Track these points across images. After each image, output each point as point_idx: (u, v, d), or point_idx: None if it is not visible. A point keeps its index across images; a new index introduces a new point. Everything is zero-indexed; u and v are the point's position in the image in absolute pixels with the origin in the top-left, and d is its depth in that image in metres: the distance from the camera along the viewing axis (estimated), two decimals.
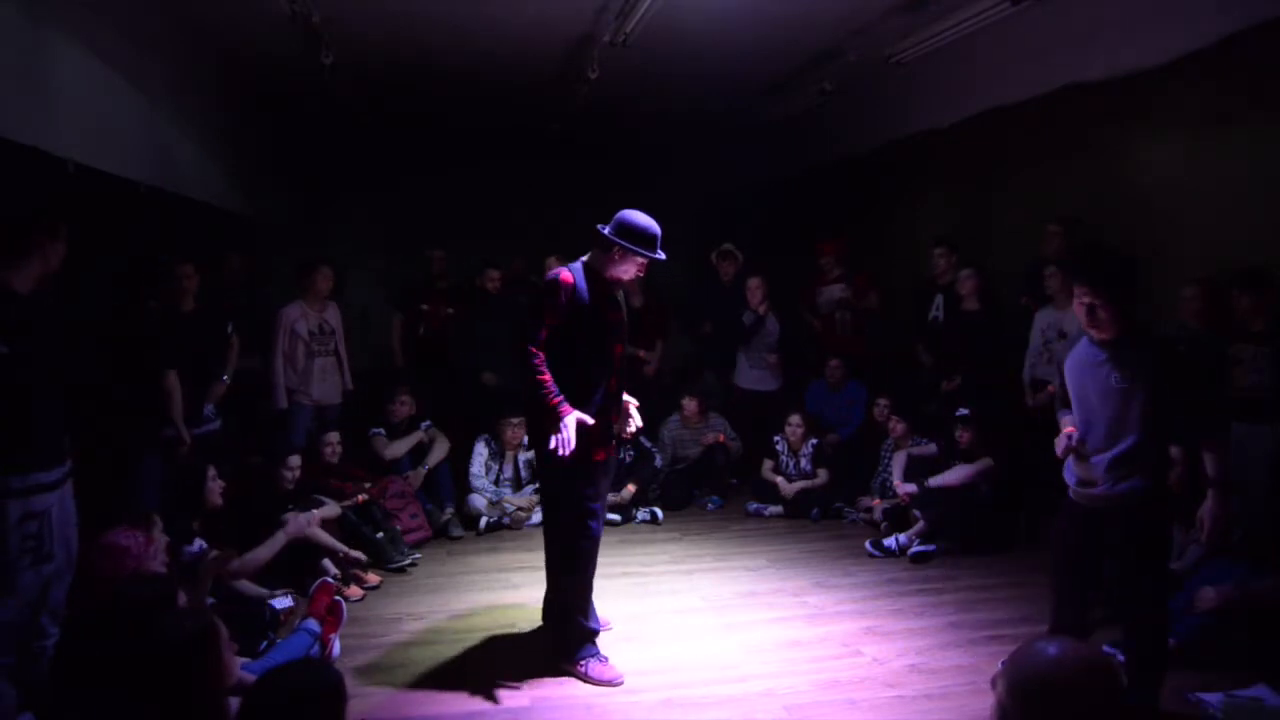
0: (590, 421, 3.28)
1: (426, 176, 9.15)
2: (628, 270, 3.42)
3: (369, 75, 6.45)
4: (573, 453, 3.21)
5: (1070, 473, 3.11)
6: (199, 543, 3.69)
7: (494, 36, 5.56)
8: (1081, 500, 3.04)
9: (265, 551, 4.06)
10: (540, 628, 3.87)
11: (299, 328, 5.39)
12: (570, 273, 3.33)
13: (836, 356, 6.54)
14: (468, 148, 9.10)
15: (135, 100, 4.89)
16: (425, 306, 6.53)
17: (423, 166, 9.14)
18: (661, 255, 3.41)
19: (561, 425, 3.21)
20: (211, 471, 4.02)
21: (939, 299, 6.03)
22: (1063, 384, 3.22)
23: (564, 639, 3.51)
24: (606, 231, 3.37)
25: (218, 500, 4.01)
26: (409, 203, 9.02)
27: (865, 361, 6.60)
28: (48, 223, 2.89)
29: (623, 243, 3.33)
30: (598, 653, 3.48)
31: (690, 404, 6.30)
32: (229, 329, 5.01)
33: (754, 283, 6.58)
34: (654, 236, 3.39)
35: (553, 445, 3.21)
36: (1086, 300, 2.90)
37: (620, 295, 3.57)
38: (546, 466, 3.43)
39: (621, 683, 3.39)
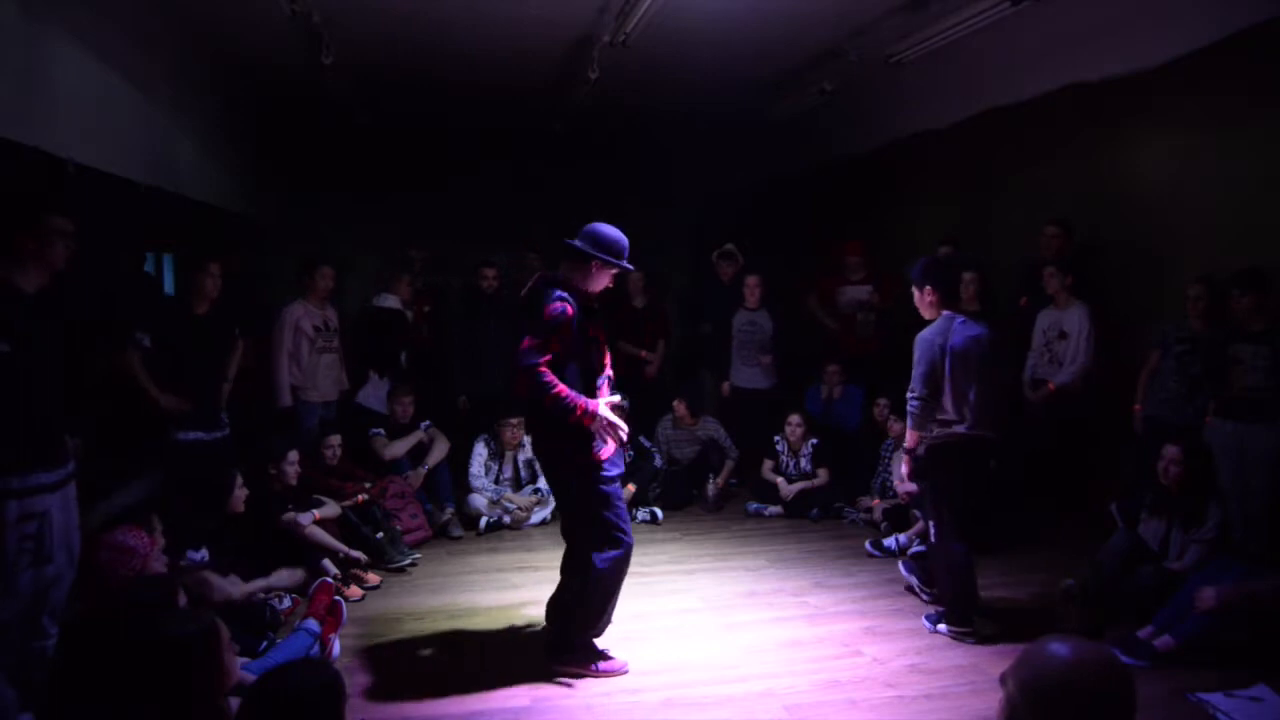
0: (619, 400, 3.42)
1: (426, 176, 9.15)
2: (601, 281, 3.45)
3: (369, 75, 6.45)
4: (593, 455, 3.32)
5: None
6: (204, 551, 3.68)
7: (494, 36, 5.56)
8: None
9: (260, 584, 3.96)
10: (541, 627, 3.88)
11: (304, 324, 5.38)
12: (570, 306, 3.30)
13: (854, 358, 6.52)
14: (468, 148, 9.09)
15: (135, 100, 4.89)
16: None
17: (423, 166, 9.14)
18: (630, 266, 3.48)
19: (599, 420, 3.28)
20: (239, 479, 4.03)
21: None
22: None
23: (567, 642, 3.49)
24: (580, 245, 3.39)
25: (240, 508, 4.02)
26: (409, 202, 9.01)
27: (872, 362, 6.54)
28: (40, 220, 2.88)
29: (601, 255, 3.37)
30: (599, 649, 3.51)
31: (679, 405, 6.31)
32: (235, 331, 5.00)
33: (751, 280, 6.57)
34: (625, 247, 3.44)
35: (602, 448, 3.32)
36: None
37: (596, 304, 3.55)
38: (561, 480, 3.50)
39: (627, 671, 3.43)
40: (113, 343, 4.32)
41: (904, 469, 3.96)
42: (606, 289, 3.52)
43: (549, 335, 3.25)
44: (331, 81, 6.18)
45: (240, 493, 4.02)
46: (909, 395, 3.77)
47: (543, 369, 3.21)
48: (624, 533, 3.43)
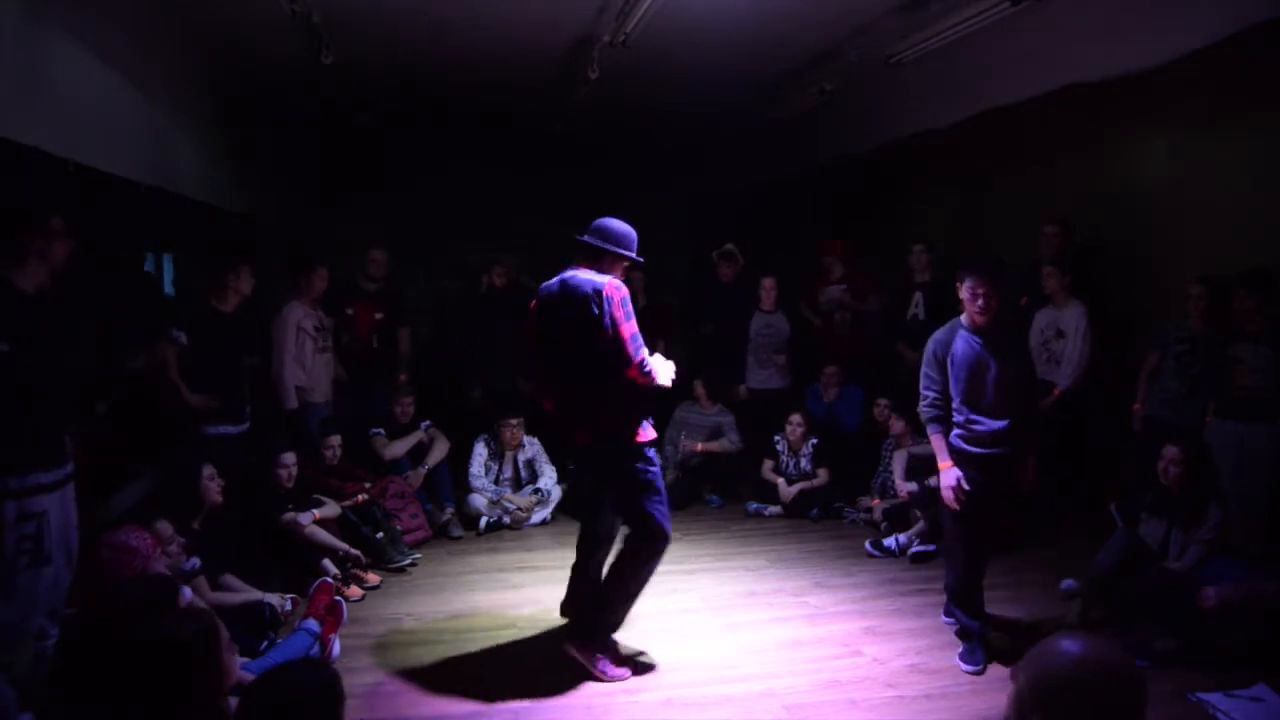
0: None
1: (426, 176, 9.16)
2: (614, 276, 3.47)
3: (369, 75, 6.45)
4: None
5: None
6: (194, 560, 3.66)
7: (494, 36, 5.56)
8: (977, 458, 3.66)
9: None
10: (541, 627, 3.89)
11: (305, 324, 5.33)
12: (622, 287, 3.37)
13: (836, 357, 6.55)
14: (468, 148, 9.10)
15: (135, 100, 4.89)
16: (350, 311, 5.92)
17: (423, 166, 9.15)
18: (640, 259, 3.52)
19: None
20: (208, 470, 4.02)
21: (918, 296, 6.09)
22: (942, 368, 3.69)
23: (590, 627, 3.53)
24: (592, 240, 3.44)
25: (216, 498, 4.00)
26: (409, 203, 9.02)
27: (863, 362, 6.60)
28: (40, 221, 2.89)
29: (614, 249, 3.42)
30: (617, 648, 3.55)
31: (698, 386, 6.34)
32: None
33: (768, 283, 6.58)
34: (633, 240, 3.50)
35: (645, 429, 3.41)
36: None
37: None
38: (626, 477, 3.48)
39: (628, 675, 3.43)
40: (151, 337, 4.40)
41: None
42: None
43: (633, 321, 3.31)
44: (331, 81, 6.18)
45: (212, 484, 3.99)
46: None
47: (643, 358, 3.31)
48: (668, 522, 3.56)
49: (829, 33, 5.47)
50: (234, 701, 2.00)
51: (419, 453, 5.66)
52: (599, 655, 3.45)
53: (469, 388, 6.37)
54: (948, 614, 3.90)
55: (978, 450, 3.60)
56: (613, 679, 3.40)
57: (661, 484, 3.54)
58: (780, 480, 5.97)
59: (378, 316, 6.01)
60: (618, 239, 3.44)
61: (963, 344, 3.60)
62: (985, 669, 3.52)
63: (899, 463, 5.51)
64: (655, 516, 3.47)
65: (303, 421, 5.34)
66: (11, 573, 2.71)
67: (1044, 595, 4.29)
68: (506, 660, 3.64)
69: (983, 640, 3.63)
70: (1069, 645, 1.47)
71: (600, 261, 3.43)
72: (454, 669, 3.56)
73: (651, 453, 3.49)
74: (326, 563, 4.39)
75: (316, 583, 4.07)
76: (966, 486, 3.56)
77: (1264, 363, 4.08)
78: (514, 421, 5.67)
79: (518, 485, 5.80)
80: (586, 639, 3.49)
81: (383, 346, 6.05)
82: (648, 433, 3.47)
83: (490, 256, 6.59)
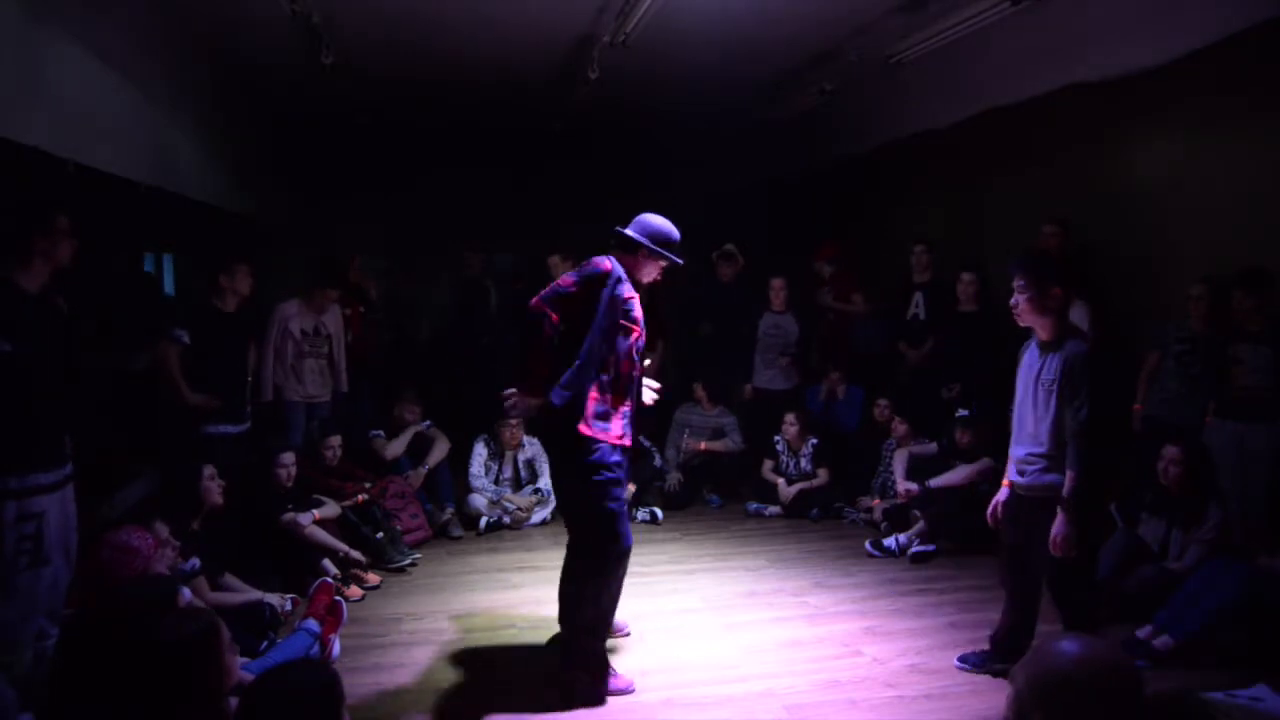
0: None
1: (427, 176, 9.15)
2: (649, 273, 3.37)
3: (369, 75, 6.45)
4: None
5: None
6: (194, 560, 3.66)
7: (494, 37, 5.56)
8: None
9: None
10: (539, 626, 3.89)
11: (292, 326, 5.39)
12: (611, 263, 3.19)
13: (825, 356, 6.57)
14: (468, 148, 9.09)
15: (135, 100, 4.89)
16: (347, 312, 6.05)
17: (423, 166, 9.14)
18: (679, 260, 3.38)
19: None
20: (209, 470, 4.02)
21: (918, 296, 6.11)
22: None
23: (573, 655, 3.34)
24: (632, 233, 3.31)
25: (217, 499, 4.00)
26: (409, 203, 9.01)
27: (855, 362, 6.61)
28: (46, 220, 2.89)
29: (650, 245, 3.29)
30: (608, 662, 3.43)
31: (699, 388, 6.37)
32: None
33: (777, 283, 6.58)
34: (677, 241, 3.36)
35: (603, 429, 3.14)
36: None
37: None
38: (571, 473, 3.25)
39: (633, 690, 3.32)
40: (154, 337, 4.47)
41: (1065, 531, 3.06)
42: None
43: (580, 285, 3.09)
44: (331, 81, 6.18)
45: (213, 484, 3.99)
46: (1084, 417, 2.98)
47: (546, 313, 3.06)
48: (625, 526, 3.28)
49: (829, 33, 5.47)
50: (234, 701, 2.00)
51: (419, 453, 5.67)
52: (595, 673, 3.31)
53: (468, 386, 6.42)
54: None
55: (1013, 478, 3.31)
56: (615, 693, 3.28)
57: (622, 489, 3.26)
58: (780, 480, 5.97)
59: (361, 310, 6.39)
60: (653, 235, 3.30)
61: (1027, 355, 3.27)
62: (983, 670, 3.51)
63: (900, 462, 5.52)
64: (600, 532, 3.21)
65: (281, 417, 5.38)
66: (11, 573, 2.71)
67: (1043, 595, 4.28)
68: (507, 660, 3.64)
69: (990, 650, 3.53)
70: (1068, 645, 1.47)
71: (633, 255, 3.30)
72: (454, 669, 3.56)
73: (616, 455, 3.22)
74: (326, 563, 4.39)
75: (316, 583, 4.07)
76: (999, 514, 3.40)
77: (1264, 363, 4.08)
78: (514, 421, 5.67)
79: (518, 485, 5.80)
80: (570, 661, 3.32)
81: (465, 339, 6.52)
82: (615, 431, 3.22)
83: (488, 257, 6.62)
